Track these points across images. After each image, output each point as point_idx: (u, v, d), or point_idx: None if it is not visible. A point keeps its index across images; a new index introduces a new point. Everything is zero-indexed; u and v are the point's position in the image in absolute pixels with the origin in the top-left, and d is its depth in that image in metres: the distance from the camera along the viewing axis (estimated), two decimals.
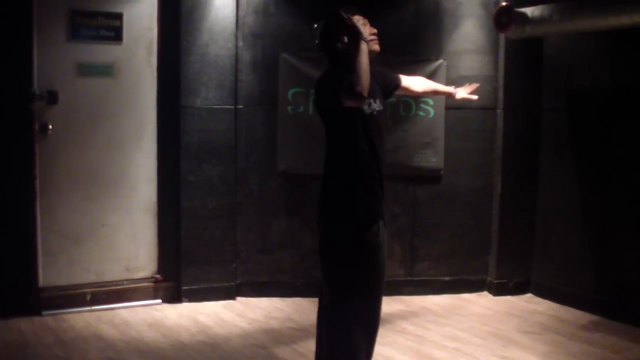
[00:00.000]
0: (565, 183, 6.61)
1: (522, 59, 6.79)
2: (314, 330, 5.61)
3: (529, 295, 6.82)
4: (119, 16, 6.15)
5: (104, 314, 5.96)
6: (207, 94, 6.33)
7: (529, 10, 5.99)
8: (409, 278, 6.81)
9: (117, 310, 6.06)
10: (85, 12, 6.04)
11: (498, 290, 6.81)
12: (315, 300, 6.30)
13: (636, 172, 5.99)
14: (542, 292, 6.79)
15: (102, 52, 6.15)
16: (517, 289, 6.84)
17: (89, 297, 6.06)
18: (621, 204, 6.13)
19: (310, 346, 5.26)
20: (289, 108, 6.52)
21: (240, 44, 6.45)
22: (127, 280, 6.30)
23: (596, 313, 6.23)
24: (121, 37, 6.18)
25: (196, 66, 6.29)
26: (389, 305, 6.37)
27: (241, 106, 6.47)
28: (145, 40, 6.28)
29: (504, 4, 6.20)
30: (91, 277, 6.18)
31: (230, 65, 6.39)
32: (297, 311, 6.24)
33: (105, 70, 6.16)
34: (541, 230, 6.85)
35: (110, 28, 6.14)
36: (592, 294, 6.32)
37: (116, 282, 6.25)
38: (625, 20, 5.38)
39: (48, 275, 6.03)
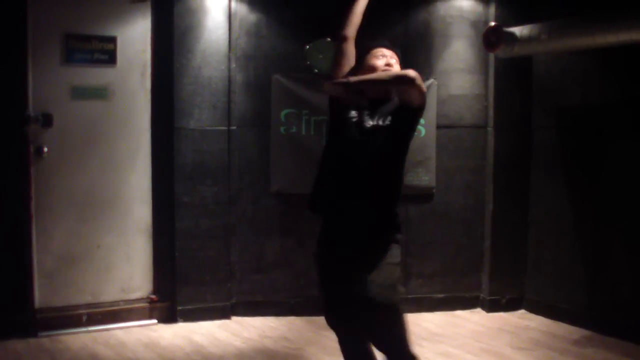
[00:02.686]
0: (556, 200, 6.68)
1: (511, 77, 6.88)
2: (308, 348, 5.71)
3: (522, 311, 6.87)
4: (112, 39, 6.22)
5: (99, 335, 5.97)
6: (201, 116, 6.39)
7: (518, 30, 6.07)
8: (403, 296, 6.83)
9: (113, 331, 6.08)
10: (79, 35, 6.10)
11: (491, 306, 6.86)
12: (309, 319, 6.39)
13: (627, 189, 6.06)
14: (535, 308, 6.84)
15: (97, 75, 6.20)
16: (509, 306, 6.89)
17: (84, 318, 6.08)
18: (613, 220, 6.19)
19: None
20: (282, 129, 6.58)
21: (233, 65, 6.52)
22: (122, 300, 6.32)
23: (588, 328, 6.27)
24: (115, 60, 6.24)
25: (189, 88, 6.35)
26: None
27: (234, 127, 6.53)
28: (139, 63, 6.34)
29: (492, 23, 6.29)
30: (87, 298, 6.20)
31: (223, 86, 6.45)
32: (292, 330, 6.27)
33: (100, 93, 6.22)
34: (533, 247, 6.91)
35: (105, 51, 6.20)
36: (584, 310, 6.37)
37: (112, 303, 6.27)
38: (611, 38, 5.47)
39: (44, 297, 6.05)
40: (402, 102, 3.90)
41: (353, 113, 3.92)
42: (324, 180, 3.97)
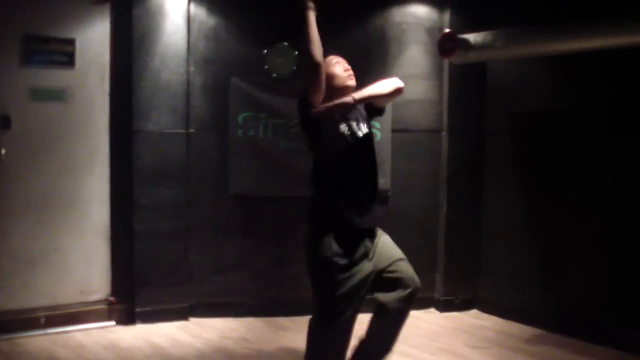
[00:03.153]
0: (509, 203, 6.84)
1: (465, 83, 7.02)
2: (267, 348, 5.78)
3: (475, 311, 7.01)
4: (72, 42, 6.20)
5: (58, 337, 5.96)
6: (160, 119, 6.41)
7: (472, 37, 6.16)
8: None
9: (72, 333, 6.07)
10: (38, 37, 6.08)
11: (445, 306, 6.99)
12: (268, 319, 6.46)
13: (577, 192, 6.23)
14: (488, 308, 6.99)
15: (55, 77, 6.19)
16: (463, 306, 7.03)
17: (43, 320, 6.05)
18: (564, 223, 6.35)
19: None
20: (240, 132, 6.64)
21: (192, 69, 6.55)
22: (81, 303, 6.31)
23: (541, 327, 6.44)
24: (74, 62, 6.22)
25: (148, 91, 6.37)
26: None
27: (193, 130, 6.56)
28: (97, 65, 6.34)
29: (447, 30, 6.41)
30: (45, 301, 6.17)
31: (182, 90, 6.48)
32: (251, 331, 6.33)
33: (59, 95, 6.21)
34: (486, 249, 7.06)
35: (64, 53, 6.19)
36: (536, 309, 6.54)
37: (70, 305, 6.26)
38: (562, 47, 5.63)
39: (1, 300, 6.01)
40: (379, 108, 4.40)
41: (343, 126, 4.24)
42: (350, 193, 4.26)
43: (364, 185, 4.35)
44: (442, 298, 7.01)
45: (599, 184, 6.07)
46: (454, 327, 6.51)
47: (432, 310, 7.04)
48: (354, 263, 4.23)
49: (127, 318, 6.42)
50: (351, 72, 4.44)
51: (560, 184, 6.37)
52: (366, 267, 4.28)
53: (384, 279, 4.35)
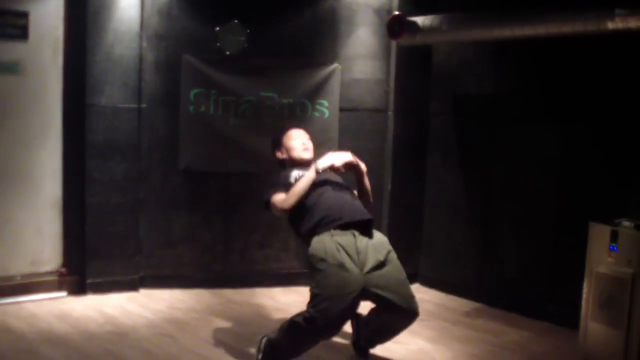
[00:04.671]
0: (450, 182, 7.08)
1: (412, 64, 7.20)
2: (216, 319, 5.95)
3: (417, 285, 7.24)
4: (25, 15, 6.18)
5: (10, 308, 6.05)
6: (112, 93, 6.47)
7: (420, 20, 6.29)
8: (304, 270, 7.12)
9: (24, 304, 6.16)
10: None
11: None
12: (215, 291, 6.64)
13: (515, 173, 6.49)
14: (429, 283, 7.25)
15: (8, 50, 6.18)
16: None
17: None
18: (500, 202, 6.62)
19: (214, 334, 5.57)
20: (191, 108, 6.73)
21: (145, 44, 6.61)
22: (32, 274, 6.38)
23: (478, 301, 6.72)
24: (27, 36, 6.21)
25: (101, 66, 6.42)
26: (287, 295, 6.73)
27: (145, 105, 6.65)
28: (51, 39, 6.35)
29: (396, 13, 6.56)
30: None
31: (134, 65, 6.55)
32: (199, 302, 6.50)
33: (11, 68, 6.21)
34: (428, 226, 7.31)
35: (17, 26, 6.17)
36: (474, 284, 6.82)
37: (22, 276, 6.32)
38: (507, 32, 5.81)
39: None
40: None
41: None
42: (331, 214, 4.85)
43: (341, 200, 4.95)
44: None
45: (534, 166, 6.34)
46: None
47: None
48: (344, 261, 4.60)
49: (78, 289, 6.53)
50: (307, 146, 5.29)
51: (498, 165, 6.62)
52: (355, 272, 4.60)
53: (381, 300, 4.71)
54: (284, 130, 5.41)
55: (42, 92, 6.38)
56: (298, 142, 5.26)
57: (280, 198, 4.87)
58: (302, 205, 4.84)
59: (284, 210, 4.88)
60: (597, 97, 5.84)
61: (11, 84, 6.25)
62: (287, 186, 4.92)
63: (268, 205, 4.97)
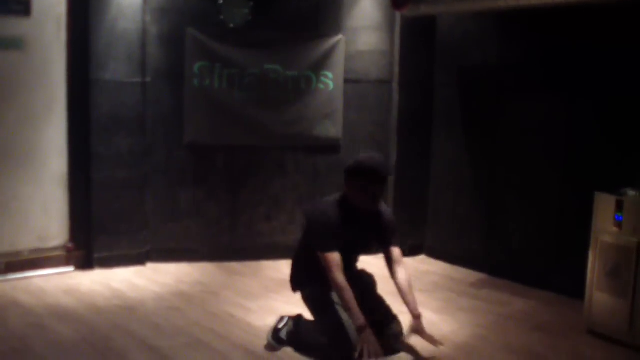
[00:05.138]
0: (455, 154, 7.07)
1: (416, 36, 7.18)
2: (223, 292, 6.00)
3: (423, 256, 7.29)
4: None
5: (18, 283, 6.10)
6: (116, 68, 6.47)
7: None
8: None
9: (32, 279, 6.21)
10: None
11: None
12: (221, 264, 6.69)
13: (520, 144, 6.48)
14: (435, 254, 7.28)
15: (11, 26, 6.18)
16: (411, 252, 7.26)
17: (3, 266, 6.17)
18: (507, 173, 6.61)
19: (221, 307, 5.60)
20: (195, 81, 6.73)
21: (148, 18, 6.60)
22: (40, 249, 6.43)
23: (483, 272, 6.75)
24: (30, 11, 6.21)
25: (105, 40, 6.42)
26: (288, 268, 6.73)
27: (149, 79, 6.64)
28: (54, 14, 6.34)
29: None
30: (5, 247, 6.28)
31: (138, 39, 6.54)
32: (205, 275, 6.54)
33: (15, 44, 6.20)
34: (433, 198, 7.32)
35: (19, 2, 6.16)
36: (479, 255, 6.84)
37: (30, 252, 6.37)
38: (511, 2, 5.80)
39: None
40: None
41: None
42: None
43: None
44: None
45: (539, 137, 6.33)
46: None
47: (381, 256, 7.25)
48: None
49: (85, 264, 6.57)
50: (379, 198, 4.72)
51: (505, 136, 6.61)
52: None
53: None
54: (371, 167, 4.64)
55: (46, 68, 6.38)
56: (374, 193, 4.64)
57: (335, 262, 4.55)
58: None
59: (329, 274, 4.54)
60: (602, 68, 5.81)
61: (15, 60, 6.25)
62: (338, 236, 4.63)
63: (318, 250, 4.58)
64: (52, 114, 6.43)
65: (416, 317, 4.72)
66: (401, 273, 4.84)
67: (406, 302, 4.76)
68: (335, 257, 4.54)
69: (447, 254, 7.16)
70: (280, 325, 4.89)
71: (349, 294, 4.48)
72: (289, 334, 4.86)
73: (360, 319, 4.42)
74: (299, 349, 4.80)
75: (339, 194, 4.79)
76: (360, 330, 4.41)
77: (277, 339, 4.86)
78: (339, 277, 4.51)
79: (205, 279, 6.43)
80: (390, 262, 4.90)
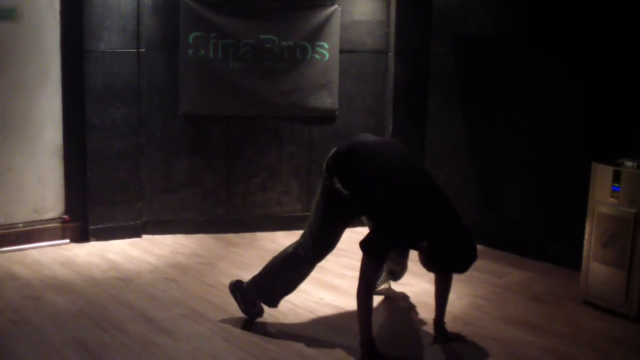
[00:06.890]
0: (452, 124, 7.04)
1: (412, 5, 7.14)
2: (219, 263, 6.00)
3: None
4: None
5: (14, 255, 6.09)
6: (110, 38, 6.41)
7: None
8: (306, 213, 7.15)
9: (28, 251, 6.21)
10: None
11: None
12: (217, 236, 6.67)
13: (517, 114, 6.45)
14: None
15: None
16: None
17: None
18: (503, 143, 6.59)
19: (218, 278, 5.60)
20: (190, 52, 6.68)
21: None
22: (35, 221, 6.42)
23: (481, 243, 6.68)
24: None
25: (99, 10, 6.35)
26: (288, 238, 6.69)
27: (144, 50, 6.59)
28: None
29: None
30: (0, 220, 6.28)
31: (132, 9, 6.47)
32: (201, 246, 6.54)
33: (8, 14, 6.14)
34: (429, 168, 7.26)
35: None
36: (477, 226, 6.82)
37: (25, 224, 6.36)
38: None
39: None
40: None
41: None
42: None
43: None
44: None
45: (535, 107, 6.29)
46: None
47: None
48: None
49: (81, 235, 6.57)
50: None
51: (502, 107, 6.58)
52: None
53: None
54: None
55: (39, 38, 6.33)
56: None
57: (374, 280, 4.57)
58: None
59: (361, 285, 4.27)
60: (600, 37, 5.77)
61: (8, 31, 6.19)
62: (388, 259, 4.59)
63: (371, 258, 4.29)
64: (46, 85, 6.38)
65: (439, 324, 4.63)
66: (448, 277, 4.67)
67: (437, 306, 4.64)
68: (377, 276, 4.75)
69: None
70: (238, 301, 4.83)
71: (367, 315, 4.26)
72: (246, 295, 4.80)
73: (369, 334, 4.26)
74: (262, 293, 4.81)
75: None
76: (364, 343, 4.26)
77: (247, 310, 4.83)
78: (368, 296, 4.28)
79: (201, 250, 6.43)
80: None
